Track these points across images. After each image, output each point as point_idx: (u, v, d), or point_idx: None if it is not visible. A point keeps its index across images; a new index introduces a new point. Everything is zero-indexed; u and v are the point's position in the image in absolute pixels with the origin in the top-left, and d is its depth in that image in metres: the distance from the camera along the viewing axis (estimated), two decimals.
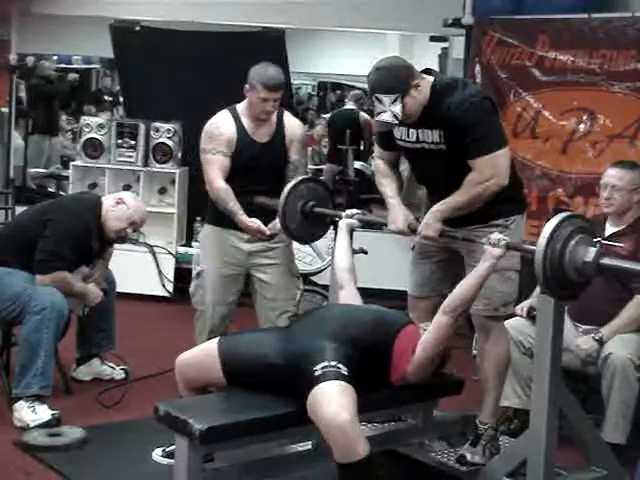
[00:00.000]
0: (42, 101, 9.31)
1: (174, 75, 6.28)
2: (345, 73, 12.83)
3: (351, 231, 3.44)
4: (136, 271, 5.87)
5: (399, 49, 10.03)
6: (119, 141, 6.25)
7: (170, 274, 6.15)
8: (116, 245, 4.36)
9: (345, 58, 12.20)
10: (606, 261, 2.74)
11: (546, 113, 5.09)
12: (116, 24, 6.47)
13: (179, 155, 6.21)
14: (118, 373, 4.44)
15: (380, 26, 7.30)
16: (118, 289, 4.48)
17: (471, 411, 3.39)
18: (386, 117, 3.06)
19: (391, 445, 3.27)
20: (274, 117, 3.84)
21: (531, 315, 3.67)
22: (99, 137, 6.27)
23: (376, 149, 3.47)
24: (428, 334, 2.93)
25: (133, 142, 6.23)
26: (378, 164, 3.42)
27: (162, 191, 6.34)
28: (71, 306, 4.05)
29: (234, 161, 3.79)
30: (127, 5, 6.64)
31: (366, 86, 3.19)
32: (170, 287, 6.11)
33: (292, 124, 3.92)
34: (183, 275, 5.85)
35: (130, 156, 6.24)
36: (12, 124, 7.27)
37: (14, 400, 3.82)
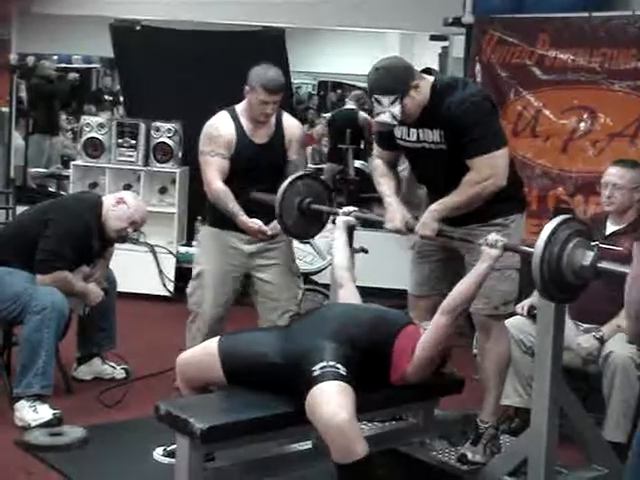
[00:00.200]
0: (42, 101, 9.31)
1: (174, 74, 6.28)
2: (345, 72, 12.82)
3: (349, 229, 3.44)
4: (137, 271, 5.88)
5: (399, 48, 10.02)
6: (119, 141, 6.25)
7: (171, 274, 6.15)
8: (117, 245, 4.36)
9: (345, 57, 12.19)
10: (604, 264, 2.73)
11: (546, 112, 5.09)
12: (116, 23, 6.48)
13: (180, 155, 6.21)
14: (119, 372, 4.44)
15: (380, 25, 7.30)
16: (119, 289, 4.48)
17: (472, 410, 3.39)
18: (385, 118, 3.06)
19: (392, 444, 3.27)
20: (273, 117, 3.83)
21: (532, 314, 3.67)
22: (99, 137, 6.28)
23: (375, 148, 3.47)
24: (427, 334, 2.93)
25: (134, 142, 6.23)
26: (377, 163, 3.42)
27: (163, 191, 6.35)
28: (72, 305, 4.06)
29: (233, 162, 3.78)
30: (127, 5, 6.64)
31: (366, 85, 3.19)
32: (171, 287, 6.11)
33: (291, 124, 3.92)
34: (184, 275, 5.83)
35: (130, 156, 6.25)
36: (12, 124, 7.27)
37: (15, 400, 3.83)
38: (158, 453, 3.50)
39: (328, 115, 9.62)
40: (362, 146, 8.10)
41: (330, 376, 2.71)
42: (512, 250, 3.00)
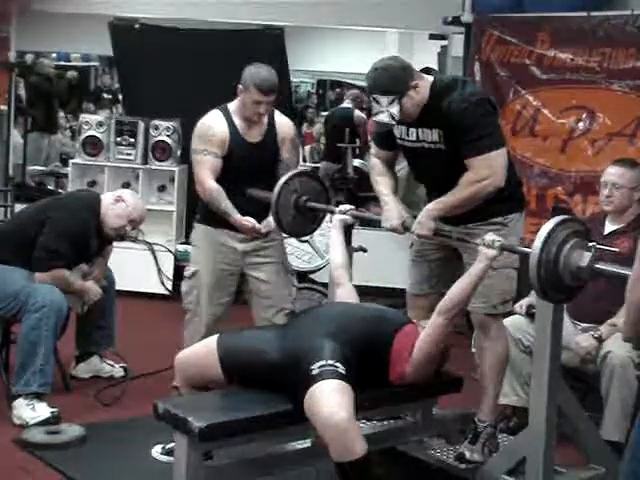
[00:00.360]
0: (41, 99, 9.30)
1: (173, 73, 6.28)
2: (344, 71, 12.82)
3: (346, 227, 3.44)
4: (135, 269, 5.88)
5: (398, 47, 10.04)
6: (118, 139, 6.25)
7: (169, 272, 6.15)
8: (115, 243, 4.36)
9: (344, 56, 12.19)
10: (601, 266, 2.73)
11: (545, 111, 5.09)
12: (115, 22, 6.48)
13: (178, 153, 6.21)
14: (117, 371, 4.44)
15: (379, 24, 7.31)
16: (117, 287, 4.48)
17: (470, 409, 3.39)
18: (383, 117, 3.06)
19: (390, 443, 3.27)
20: (265, 117, 3.83)
21: (530, 313, 3.67)
22: (98, 135, 6.28)
23: (373, 148, 3.47)
24: (424, 335, 2.93)
25: (132, 140, 6.23)
26: (374, 162, 3.42)
27: (161, 189, 6.35)
28: (70, 303, 4.06)
29: (226, 161, 3.78)
30: (126, 3, 6.64)
31: (365, 84, 3.19)
32: (169, 285, 6.11)
33: (283, 123, 3.91)
34: (182, 273, 5.83)
35: (129, 154, 6.25)
36: (11, 122, 7.26)
37: (13, 398, 3.83)
38: (157, 451, 3.51)
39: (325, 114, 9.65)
40: (358, 144, 8.11)
41: (329, 375, 2.71)
42: (509, 250, 2.99)
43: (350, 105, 8.43)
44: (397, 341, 2.95)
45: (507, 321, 3.45)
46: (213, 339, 3.00)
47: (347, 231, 3.57)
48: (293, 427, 2.85)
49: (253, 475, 2.92)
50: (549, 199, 5.03)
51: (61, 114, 10.19)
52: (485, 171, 3.05)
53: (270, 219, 3.67)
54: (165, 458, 3.40)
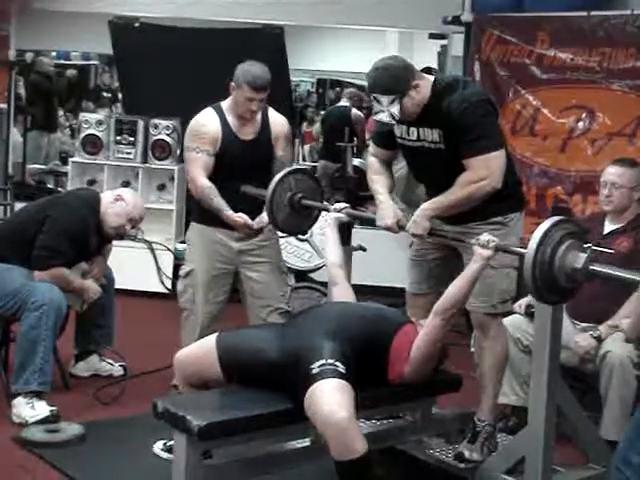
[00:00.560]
0: (41, 97, 9.29)
1: (173, 72, 6.27)
2: (344, 70, 12.81)
3: (345, 226, 3.44)
4: (134, 268, 5.87)
5: (398, 46, 10.04)
6: (118, 137, 6.25)
7: (169, 270, 6.15)
8: (115, 241, 4.36)
9: (344, 55, 12.18)
10: (596, 267, 2.72)
11: (545, 111, 5.09)
12: (115, 20, 6.47)
13: (178, 152, 6.19)
14: (117, 369, 4.44)
15: (379, 23, 7.30)
16: (116, 285, 4.48)
17: (469, 408, 3.39)
18: (384, 117, 3.06)
19: (389, 442, 3.27)
20: (259, 114, 3.82)
21: (529, 312, 3.67)
22: (98, 133, 6.27)
23: (371, 146, 3.47)
24: (422, 335, 2.94)
25: (132, 139, 6.23)
26: (372, 161, 3.42)
27: (161, 187, 6.34)
28: (69, 302, 4.06)
29: (219, 159, 3.78)
30: (126, 1, 6.63)
31: (365, 83, 3.19)
32: (169, 283, 6.11)
33: (277, 121, 3.91)
34: None
35: (129, 152, 6.24)
36: (11, 120, 7.25)
37: (13, 396, 3.82)
38: (158, 447, 3.51)
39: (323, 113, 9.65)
40: (356, 143, 8.12)
41: (329, 374, 2.71)
42: (504, 251, 2.98)
43: (347, 104, 8.44)
44: (396, 340, 2.95)
45: (506, 320, 3.45)
46: (212, 338, 3.00)
47: (346, 230, 3.57)
48: (292, 426, 2.86)
49: (252, 474, 2.92)
50: (549, 199, 5.03)
51: (61, 112, 10.17)
52: (483, 172, 3.05)
53: (263, 216, 3.67)
54: (166, 455, 3.40)
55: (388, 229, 3.24)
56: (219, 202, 3.73)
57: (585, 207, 4.84)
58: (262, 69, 3.75)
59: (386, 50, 9.60)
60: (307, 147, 10.74)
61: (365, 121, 8.49)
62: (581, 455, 3.22)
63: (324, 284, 4.52)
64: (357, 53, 11.04)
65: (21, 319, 3.87)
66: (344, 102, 8.57)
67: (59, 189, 7.64)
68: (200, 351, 3.02)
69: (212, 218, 3.78)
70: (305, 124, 11.31)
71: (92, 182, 6.31)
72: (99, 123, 6.32)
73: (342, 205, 3.47)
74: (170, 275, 6.12)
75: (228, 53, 6.06)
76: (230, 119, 3.80)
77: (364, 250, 3.68)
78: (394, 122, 3.09)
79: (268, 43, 6.20)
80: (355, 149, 6.56)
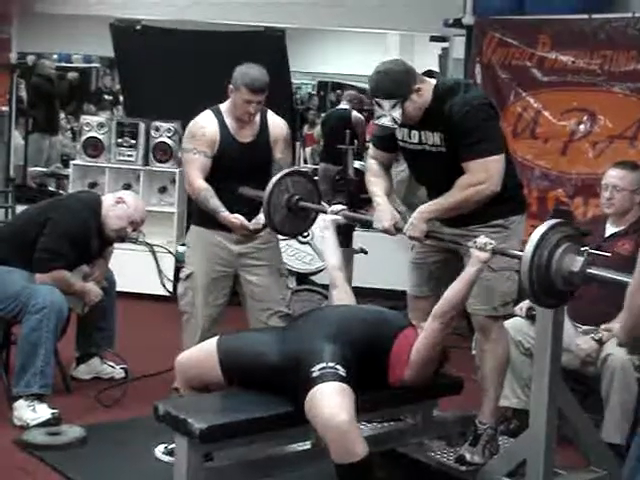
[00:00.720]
0: (42, 100, 9.30)
1: (174, 74, 6.28)
2: (345, 73, 12.83)
3: (347, 228, 3.44)
4: (136, 270, 5.88)
5: (399, 49, 10.04)
6: (119, 140, 6.26)
7: (170, 273, 6.15)
8: (116, 244, 4.36)
9: (345, 58, 12.20)
10: (593, 270, 2.71)
11: (546, 113, 5.09)
12: (116, 23, 6.48)
13: (179, 154, 6.20)
14: (118, 372, 4.44)
15: (381, 26, 7.30)
16: (118, 288, 4.48)
17: (470, 411, 3.39)
18: (385, 121, 3.06)
19: (390, 445, 3.27)
20: (258, 117, 3.83)
21: (530, 315, 3.67)
22: (99, 136, 6.28)
23: (371, 149, 3.47)
24: (421, 338, 2.94)
25: (133, 141, 6.24)
26: (371, 163, 3.42)
27: (162, 190, 6.35)
28: (71, 304, 4.06)
29: (217, 161, 3.78)
30: (127, 4, 6.64)
31: (366, 86, 3.19)
32: (170, 286, 6.11)
33: (276, 124, 3.90)
34: None
35: (130, 155, 6.25)
36: (12, 123, 7.26)
37: (14, 399, 3.83)
38: (159, 451, 3.51)
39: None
40: (356, 146, 8.12)
41: (330, 377, 2.71)
42: (501, 253, 2.97)
43: (347, 106, 8.44)
44: (397, 343, 2.95)
45: (508, 323, 3.44)
46: (213, 341, 3.00)
47: (348, 233, 3.57)
48: (293, 429, 2.86)
49: (253, 477, 2.92)
50: (550, 201, 5.03)
51: (62, 115, 10.19)
52: (482, 175, 3.04)
53: (260, 217, 3.67)
54: (167, 458, 3.40)
55: (385, 231, 3.24)
56: (215, 203, 3.73)
57: (586, 210, 4.83)
58: (260, 71, 3.75)
59: (387, 53, 9.62)
60: (308, 150, 10.75)
61: (365, 124, 8.50)
62: (582, 458, 3.22)
63: (325, 287, 4.52)
64: (358, 56, 11.06)
65: (22, 322, 3.87)
66: (344, 105, 8.57)
67: (60, 192, 7.64)
68: (201, 354, 3.02)
69: (211, 220, 3.78)
70: (306, 127, 11.32)
71: (93, 185, 6.32)
72: (100, 126, 6.33)
73: (339, 207, 3.47)
74: (171, 278, 6.12)
75: (229, 56, 6.05)
76: (228, 121, 3.81)
77: (365, 253, 3.68)
78: (396, 126, 3.09)
79: (269, 46, 6.21)
80: (358, 151, 6.57)
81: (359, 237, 3.65)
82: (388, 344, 2.94)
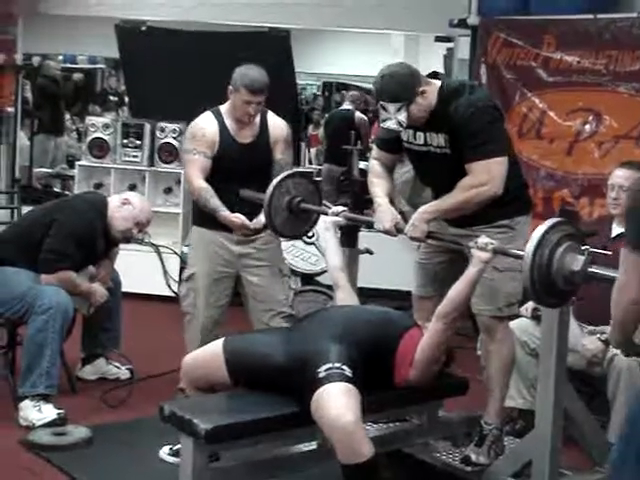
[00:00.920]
0: (47, 101, 9.32)
1: (179, 75, 6.29)
2: (350, 73, 12.83)
3: (352, 229, 3.45)
4: (141, 271, 5.87)
5: (404, 49, 10.03)
6: (125, 141, 6.26)
7: (175, 274, 6.14)
8: (121, 245, 4.36)
9: (350, 58, 12.20)
10: (595, 269, 2.69)
11: (552, 114, 5.09)
12: (122, 24, 6.49)
13: None
14: (123, 373, 4.44)
15: (385, 26, 7.29)
16: (123, 289, 4.48)
17: (476, 412, 3.38)
18: (391, 124, 3.06)
19: (396, 445, 3.27)
20: (258, 118, 3.83)
21: (536, 315, 3.66)
22: (105, 137, 6.29)
23: (374, 150, 3.47)
24: (425, 339, 2.94)
25: (139, 142, 6.24)
26: (373, 164, 3.42)
27: (167, 191, 6.35)
28: (76, 305, 4.06)
29: (217, 162, 3.78)
30: (132, 5, 6.65)
31: (370, 86, 3.19)
32: (175, 287, 6.10)
33: (277, 125, 3.91)
34: None
35: (136, 156, 6.26)
36: (18, 124, 7.27)
37: (20, 399, 3.83)
38: (164, 452, 3.51)
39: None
40: (359, 147, 8.11)
41: (336, 378, 2.71)
42: (502, 253, 2.96)
43: (350, 107, 8.44)
44: (402, 344, 2.95)
45: (513, 324, 3.44)
46: (219, 342, 3.00)
47: (353, 233, 3.57)
48: (299, 429, 2.86)
49: (259, 477, 2.92)
50: (555, 202, 5.02)
51: (67, 116, 10.21)
52: (484, 176, 3.04)
53: (261, 217, 3.67)
54: (172, 459, 3.40)
55: (386, 232, 3.24)
56: (215, 203, 3.73)
57: (592, 210, 4.83)
58: (259, 72, 3.76)
59: (392, 53, 9.61)
60: (313, 150, 10.74)
61: (369, 124, 8.50)
62: (588, 459, 3.21)
63: (330, 287, 4.50)
64: (363, 56, 11.07)
65: (28, 322, 3.88)
66: (347, 105, 8.57)
67: (66, 193, 7.66)
68: (207, 355, 3.02)
69: (212, 221, 3.78)
70: (311, 127, 11.32)
71: (99, 185, 6.33)
72: (106, 127, 6.33)
73: (340, 208, 3.47)
74: (177, 278, 6.10)
75: (234, 56, 6.04)
76: (228, 122, 3.82)
77: (371, 253, 3.67)
78: (401, 129, 3.09)
79: (274, 46, 6.21)
80: (363, 152, 6.57)
81: (364, 237, 3.64)
82: (394, 344, 2.94)
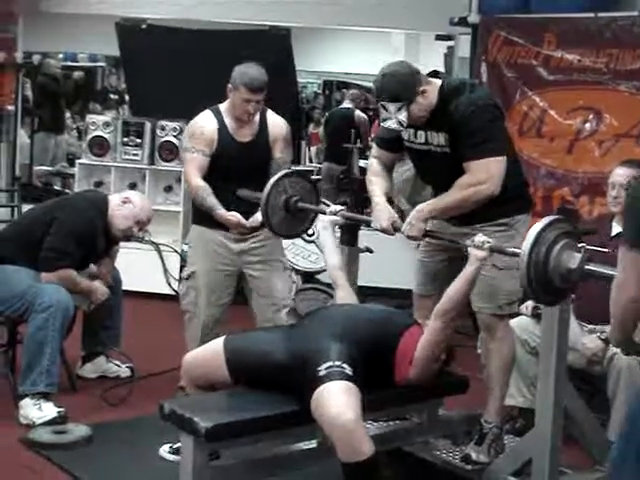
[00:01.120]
0: (48, 99, 9.31)
1: (180, 73, 6.28)
2: (350, 72, 12.82)
3: (352, 228, 3.45)
4: (142, 269, 5.86)
5: (405, 48, 10.02)
6: (125, 139, 6.27)
7: (176, 272, 6.13)
8: (122, 243, 4.36)
9: (350, 57, 12.18)
10: (591, 267, 2.69)
11: (552, 112, 5.08)
12: (122, 22, 6.48)
13: None
14: (124, 371, 4.45)
15: (386, 25, 7.29)
16: (124, 287, 4.49)
17: (476, 410, 3.38)
18: (391, 124, 3.06)
19: (396, 444, 3.27)
20: (257, 116, 3.83)
21: (536, 314, 3.66)
22: (105, 135, 6.29)
23: (374, 148, 3.47)
24: (424, 337, 2.94)
25: (139, 140, 6.25)
26: (372, 163, 3.42)
27: (168, 189, 6.35)
28: (77, 302, 4.06)
29: (216, 160, 3.78)
30: (133, 3, 6.65)
31: (371, 84, 3.19)
32: (176, 285, 6.09)
33: (276, 123, 3.90)
34: None
35: (136, 154, 6.26)
36: (18, 122, 7.26)
37: (20, 397, 3.83)
38: (165, 450, 3.52)
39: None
40: (359, 145, 8.11)
41: (336, 376, 2.71)
42: (499, 252, 2.96)
43: (350, 105, 8.43)
44: (403, 342, 2.96)
45: (513, 322, 3.44)
46: (220, 341, 3.01)
47: (353, 232, 3.57)
48: (299, 428, 2.86)
49: (259, 475, 2.92)
50: (556, 200, 5.02)
51: (68, 114, 10.19)
52: (482, 175, 3.03)
53: (257, 215, 3.67)
54: (173, 457, 3.41)
55: (383, 231, 3.24)
56: (212, 201, 3.73)
57: (592, 208, 4.83)
58: (259, 71, 3.76)
59: (392, 52, 9.60)
60: (314, 149, 10.74)
61: (369, 123, 8.49)
62: (588, 457, 3.21)
63: (330, 285, 4.51)
64: (363, 55, 11.05)
65: (28, 320, 3.88)
66: (347, 104, 8.56)
67: (66, 191, 7.65)
68: (208, 353, 3.02)
69: (211, 220, 3.78)
70: (312, 126, 11.32)
71: (99, 184, 6.32)
72: (106, 125, 6.34)
73: (337, 207, 3.47)
74: (177, 277, 6.10)
75: (234, 54, 6.05)
76: (227, 121, 3.82)
77: (371, 252, 3.67)
78: (402, 129, 3.09)
79: (275, 44, 6.21)
80: (363, 150, 6.56)
81: (364, 236, 3.64)
82: (394, 342, 2.94)
